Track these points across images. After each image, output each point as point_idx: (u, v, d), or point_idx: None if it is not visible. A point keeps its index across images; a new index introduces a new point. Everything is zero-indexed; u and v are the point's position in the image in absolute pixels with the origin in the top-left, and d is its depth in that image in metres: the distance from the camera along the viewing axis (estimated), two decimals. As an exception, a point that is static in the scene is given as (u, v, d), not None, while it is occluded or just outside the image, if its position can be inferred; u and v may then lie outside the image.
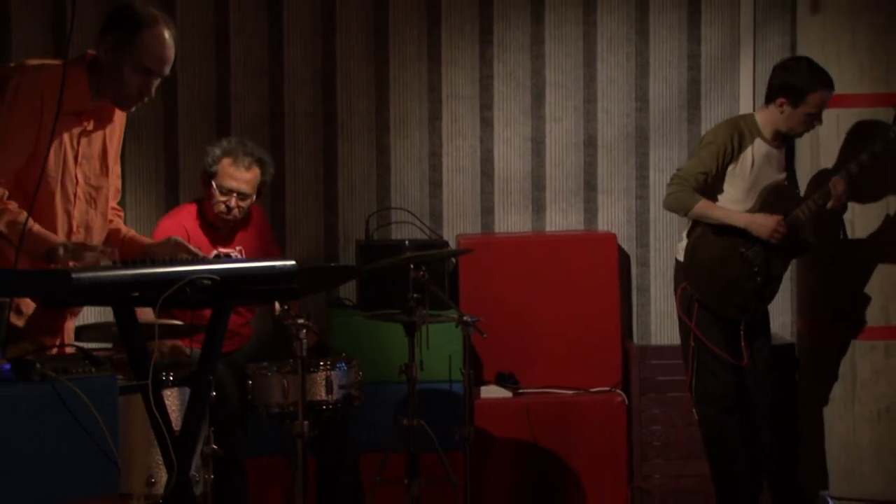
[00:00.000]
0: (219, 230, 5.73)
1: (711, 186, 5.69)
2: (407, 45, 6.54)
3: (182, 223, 5.69)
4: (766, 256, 5.63)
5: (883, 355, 5.97)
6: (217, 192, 5.64)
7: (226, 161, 5.65)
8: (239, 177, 5.64)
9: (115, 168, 4.46)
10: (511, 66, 6.60)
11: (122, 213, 4.61)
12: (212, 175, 5.66)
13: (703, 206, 5.63)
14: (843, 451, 6.04)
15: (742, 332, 5.67)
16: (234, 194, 5.64)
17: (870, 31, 5.91)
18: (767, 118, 5.68)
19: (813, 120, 5.62)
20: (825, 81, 5.58)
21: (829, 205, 5.65)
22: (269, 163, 5.76)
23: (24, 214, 4.05)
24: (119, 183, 4.54)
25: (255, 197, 5.71)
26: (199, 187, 5.97)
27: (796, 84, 5.59)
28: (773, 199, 5.65)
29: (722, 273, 5.66)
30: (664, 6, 6.60)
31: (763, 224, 5.60)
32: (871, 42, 5.91)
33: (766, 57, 6.57)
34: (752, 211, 5.64)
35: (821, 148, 6.00)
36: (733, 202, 5.67)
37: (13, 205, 4.10)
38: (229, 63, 6.46)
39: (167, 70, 4.26)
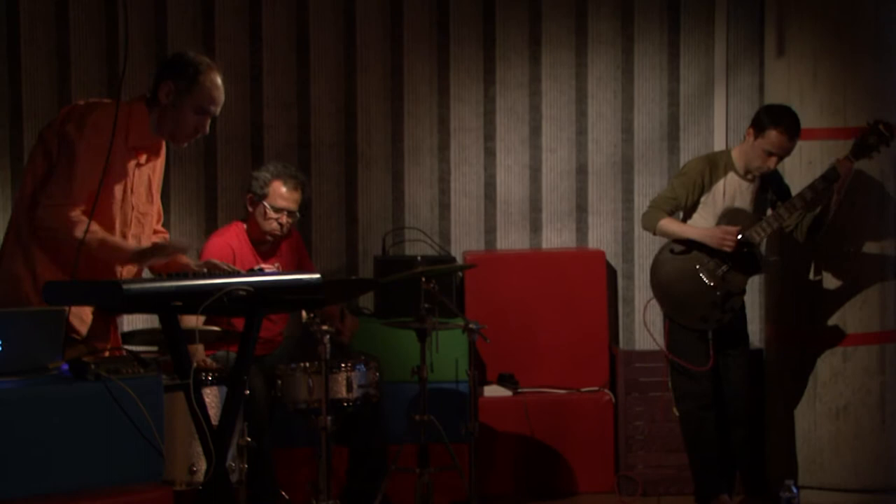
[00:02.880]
0: (263, 245, 5.70)
1: (687, 211, 5.71)
2: (419, 84, 6.55)
3: (229, 242, 5.65)
4: (723, 273, 5.62)
5: (841, 359, 5.97)
6: (270, 211, 5.62)
7: (276, 183, 5.62)
8: (289, 197, 5.63)
9: (156, 196, 4.49)
10: (511, 102, 6.61)
11: (166, 235, 4.62)
12: (262, 196, 5.62)
13: (665, 223, 5.65)
14: (806, 445, 6.03)
15: (710, 340, 5.66)
16: (285, 212, 5.64)
17: (830, 73, 5.91)
18: (740, 152, 5.68)
19: (768, 158, 5.57)
20: (787, 126, 5.50)
21: (837, 186, 5.52)
22: (308, 184, 5.80)
23: (96, 226, 4.12)
24: (160, 206, 4.57)
25: (298, 214, 5.72)
26: (235, 207, 6.00)
27: (762, 118, 5.59)
28: (727, 222, 5.63)
29: (681, 288, 5.65)
30: (647, 50, 6.62)
31: (713, 235, 5.58)
32: (830, 82, 5.91)
33: (737, 95, 6.58)
34: None
35: (785, 177, 5.99)
36: (703, 224, 5.66)
37: (84, 218, 4.13)
38: (262, 97, 6.48)
39: (219, 110, 4.34)
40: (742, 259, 5.63)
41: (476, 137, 6.60)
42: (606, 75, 6.61)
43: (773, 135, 5.51)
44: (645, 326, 5.82)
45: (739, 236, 5.56)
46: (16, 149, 6.25)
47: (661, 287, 5.71)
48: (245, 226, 5.73)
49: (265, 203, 5.61)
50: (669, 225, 5.64)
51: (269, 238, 5.66)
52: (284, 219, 5.62)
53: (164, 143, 4.41)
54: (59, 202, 4.15)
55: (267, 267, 5.64)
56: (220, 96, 4.31)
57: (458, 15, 6.56)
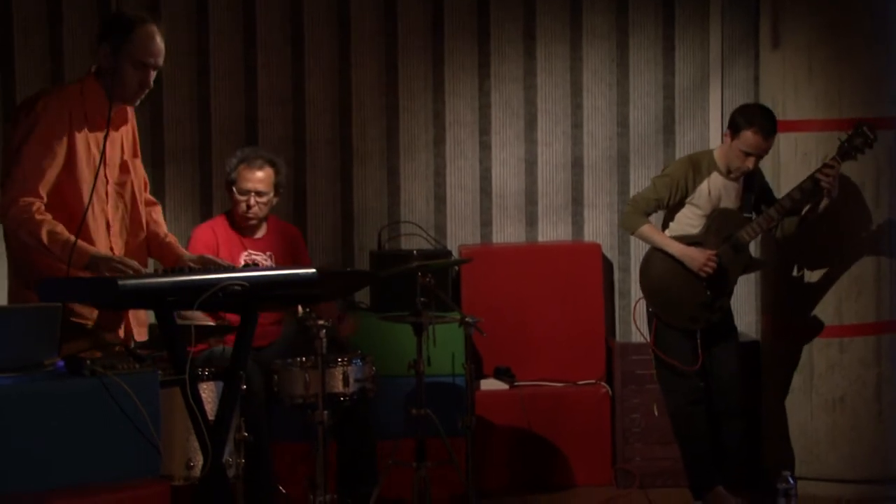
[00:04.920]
0: (248, 231, 5.73)
1: (672, 209, 5.71)
2: (414, 79, 6.55)
3: (212, 227, 5.76)
4: (715, 274, 5.62)
5: (837, 350, 5.97)
6: (237, 194, 5.67)
7: (242, 167, 5.69)
8: (253, 177, 5.66)
9: (136, 160, 4.44)
10: (506, 96, 6.61)
11: (158, 205, 4.59)
12: (232, 182, 5.70)
13: (646, 230, 5.66)
14: (803, 436, 6.04)
15: (699, 340, 5.65)
16: (252, 193, 5.66)
17: (825, 65, 5.91)
18: (722, 153, 5.68)
19: (746, 158, 5.55)
20: (762, 125, 5.50)
21: (826, 190, 5.52)
22: (281, 163, 5.78)
23: (60, 227, 4.06)
24: (143, 172, 4.52)
25: (273, 195, 5.71)
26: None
27: (737, 119, 5.59)
28: (717, 223, 5.64)
29: (672, 287, 5.65)
30: (642, 43, 6.61)
31: (694, 258, 5.59)
32: (825, 74, 5.91)
33: (733, 88, 6.58)
34: (700, 232, 5.65)
35: (781, 169, 6.00)
36: (690, 225, 5.68)
37: (48, 216, 4.10)
38: (257, 93, 6.48)
39: (161, 61, 4.26)
40: (733, 260, 5.63)
41: (471, 132, 6.60)
42: (601, 69, 6.61)
43: (748, 136, 5.51)
44: (634, 323, 5.82)
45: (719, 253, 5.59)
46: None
47: (652, 286, 5.71)
48: (226, 216, 5.79)
49: (234, 188, 5.67)
50: (651, 234, 5.66)
51: (245, 222, 5.67)
52: (252, 200, 5.66)
53: (128, 108, 4.37)
54: (13, 196, 4.09)
55: (257, 255, 5.65)
56: (158, 46, 4.22)
57: (452, 9, 6.55)
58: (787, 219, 5.71)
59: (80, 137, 4.19)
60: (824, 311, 5.96)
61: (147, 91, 4.28)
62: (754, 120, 5.52)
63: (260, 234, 5.78)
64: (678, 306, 5.65)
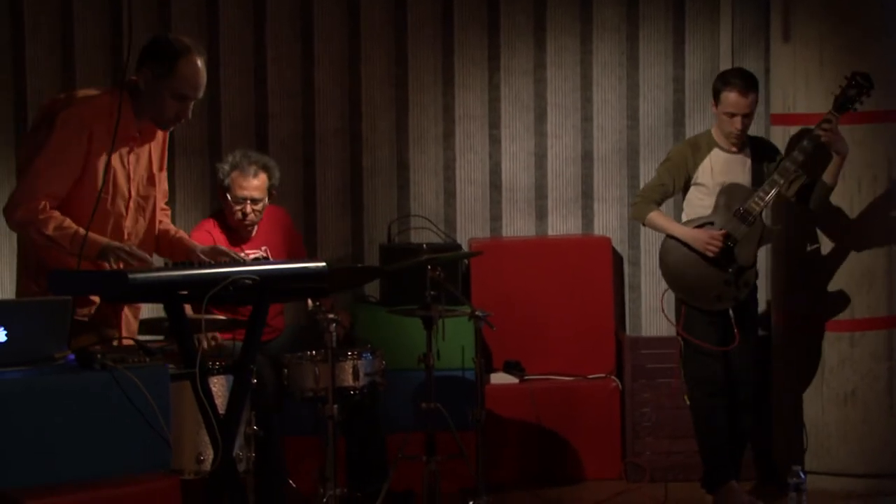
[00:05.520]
0: (238, 232, 5.71)
1: (683, 194, 5.71)
2: (424, 72, 6.54)
3: (208, 230, 5.69)
4: (730, 250, 5.61)
5: (848, 345, 5.96)
6: (232, 202, 5.64)
7: (235, 174, 5.63)
8: (248, 185, 5.62)
9: (161, 173, 4.42)
10: (516, 89, 6.60)
11: (169, 211, 4.59)
12: (226, 188, 5.65)
13: (654, 217, 5.67)
14: (814, 430, 6.03)
15: (732, 318, 5.64)
16: (247, 201, 5.63)
17: (835, 58, 5.89)
18: (716, 127, 5.71)
19: (731, 120, 5.57)
20: (737, 83, 5.56)
21: (828, 145, 5.51)
22: (274, 167, 5.72)
23: (68, 220, 4.06)
24: (166, 185, 4.51)
25: (267, 199, 5.68)
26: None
27: (716, 85, 5.66)
28: (725, 199, 5.63)
29: (692, 270, 5.64)
30: (652, 36, 6.60)
31: (697, 238, 5.59)
32: (836, 67, 5.88)
33: (743, 81, 6.57)
34: (711, 212, 5.62)
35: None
36: (701, 206, 5.67)
37: (56, 213, 4.10)
38: (266, 86, 6.47)
39: (202, 93, 4.22)
40: (747, 232, 5.62)
41: (481, 125, 6.59)
42: (612, 62, 6.60)
43: (727, 96, 5.59)
44: (663, 313, 5.79)
45: (726, 229, 5.56)
46: (21, 139, 6.25)
47: (673, 273, 5.70)
48: (214, 219, 5.76)
49: (227, 195, 5.64)
50: (658, 220, 5.68)
51: (242, 229, 5.65)
52: (248, 207, 5.63)
53: None
54: (19, 200, 4.11)
55: (253, 253, 5.63)
56: (201, 80, 4.17)
57: (462, 1, 6.55)
58: (813, 191, 5.66)
59: (100, 154, 4.14)
60: (835, 304, 5.94)
61: (183, 121, 4.24)
62: (730, 80, 5.61)
63: (254, 232, 5.76)
64: (701, 289, 5.64)
